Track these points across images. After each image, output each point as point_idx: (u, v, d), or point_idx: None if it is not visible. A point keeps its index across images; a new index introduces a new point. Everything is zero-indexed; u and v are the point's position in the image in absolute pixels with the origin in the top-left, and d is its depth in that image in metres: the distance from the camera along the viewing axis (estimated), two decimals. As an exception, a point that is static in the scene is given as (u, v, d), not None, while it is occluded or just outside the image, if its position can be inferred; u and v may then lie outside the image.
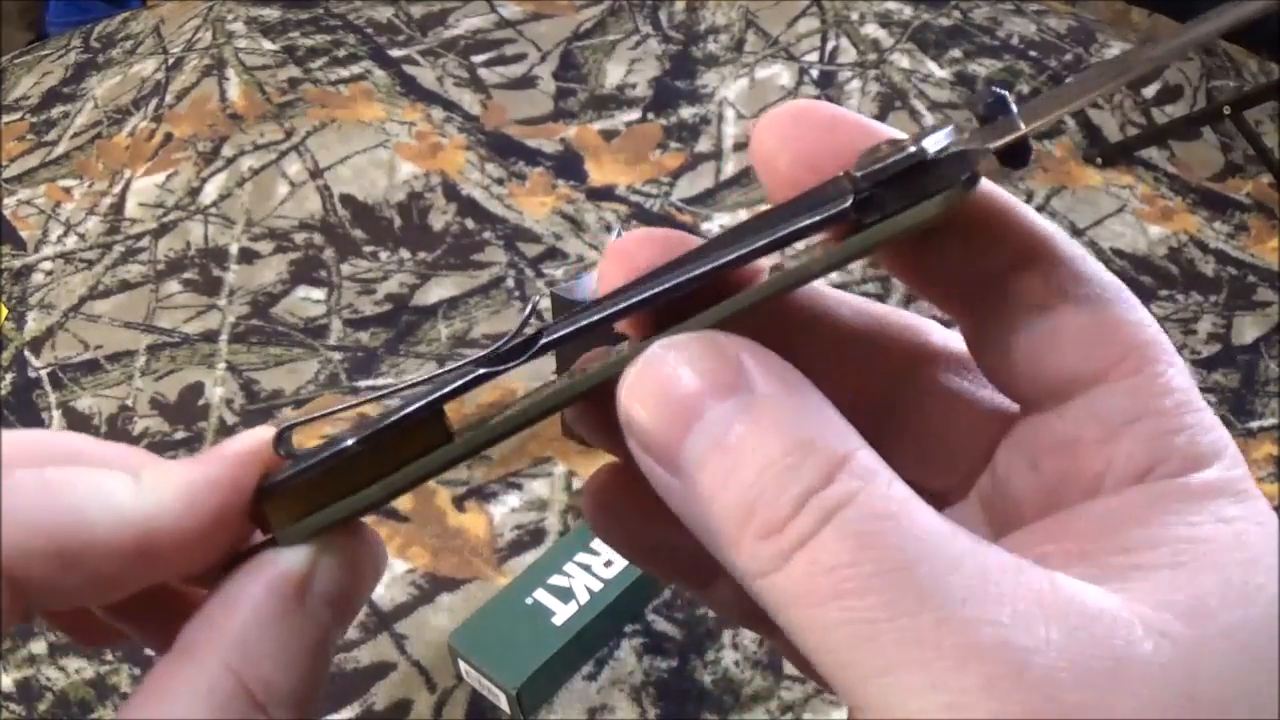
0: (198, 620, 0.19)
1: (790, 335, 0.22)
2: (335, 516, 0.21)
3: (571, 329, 0.20)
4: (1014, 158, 0.18)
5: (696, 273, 0.19)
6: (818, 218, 0.18)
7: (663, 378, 0.18)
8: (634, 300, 0.19)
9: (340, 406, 0.23)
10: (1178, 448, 0.18)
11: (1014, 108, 0.18)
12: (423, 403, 0.20)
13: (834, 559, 0.16)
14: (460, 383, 0.20)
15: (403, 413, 0.20)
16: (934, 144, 0.18)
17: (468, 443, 0.20)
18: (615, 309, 0.20)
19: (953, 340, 0.22)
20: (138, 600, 0.20)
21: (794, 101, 0.20)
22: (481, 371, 0.20)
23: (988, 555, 0.16)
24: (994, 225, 0.19)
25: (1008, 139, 0.18)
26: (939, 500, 0.22)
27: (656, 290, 0.19)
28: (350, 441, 0.20)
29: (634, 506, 0.23)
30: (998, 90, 0.18)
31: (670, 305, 0.19)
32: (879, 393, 0.22)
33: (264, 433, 0.21)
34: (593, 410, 0.22)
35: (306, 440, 0.21)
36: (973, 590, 0.16)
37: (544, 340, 0.20)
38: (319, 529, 0.21)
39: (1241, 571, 0.16)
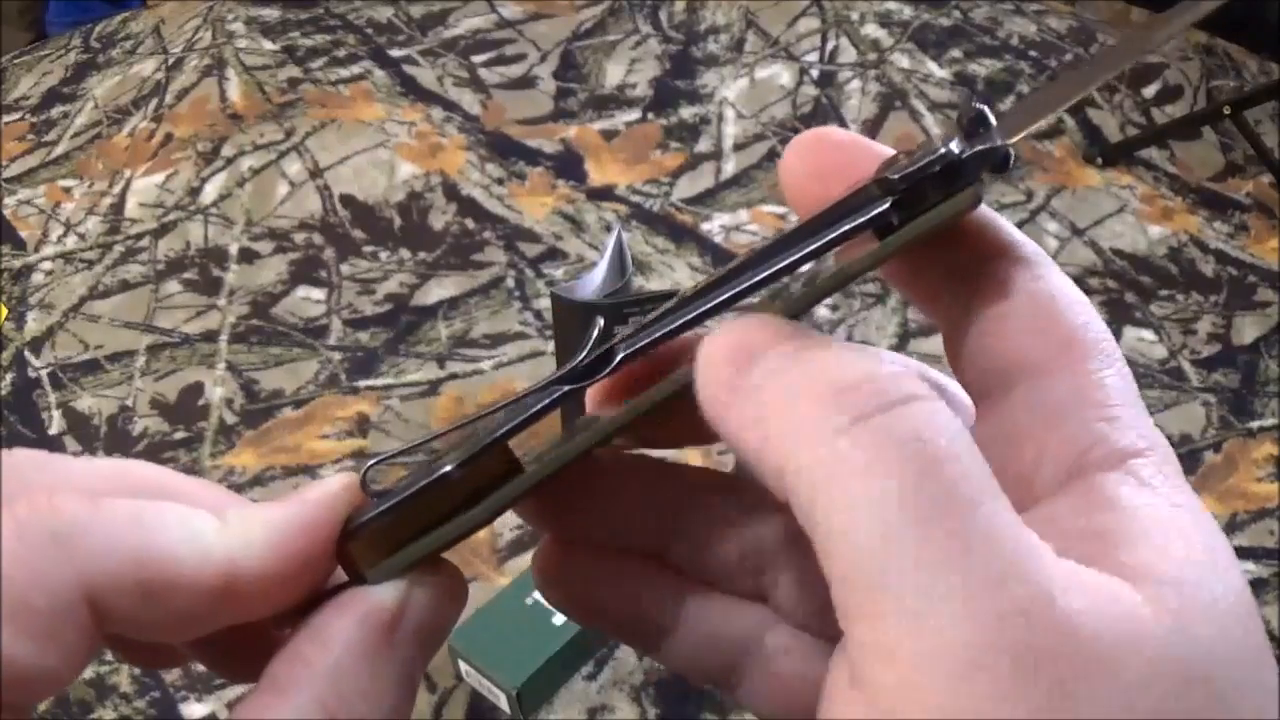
0: (288, 656, 0.19)
1: None
2: (423, 551, 0.21)
3: (647, 341, 0.21)
4: (997, 165, 0.20)
5: (747, 284, 0.20)
6: (861, 219, 0.20)
7: (743, 326, 0.19)
8: (699, 311, 0.21)
9: (422, 439, 0.23)
10: (1109, 438, 0.18)
11: (993, 121, 0.19)
12: (512, 425, 0.21)
13: (907, 435, 0.16)
14: (546, 402, 0.21)
15: (496, 434, 0.21)
16: (956, 146, 0.19)
17: (539, 472, 0.21)
18: (687, 318, 0.21)
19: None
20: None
21: (816, 128, 0.22)
22: (566, 389, 0.21)
23: (1019, 523, 0.17)
24: (966, 227, 0.21)
25: (1023, 134, 0.19)
26: None
27: (714, 303, 0.21)
28: (449, 468, 0.20)
29: (579, 575, 0.23)
30: (977, 105, 0.19)
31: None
32: None
33: (348, 477, 0.21)
34: (540, 498, 0.22)
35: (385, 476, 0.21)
36: (1014, 523, 0.16)
37: (622, 354, 0.21)
38: (406, 565, 0.21)
39: (1207, 547, 0.17)
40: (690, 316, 0.21)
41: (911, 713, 0.15)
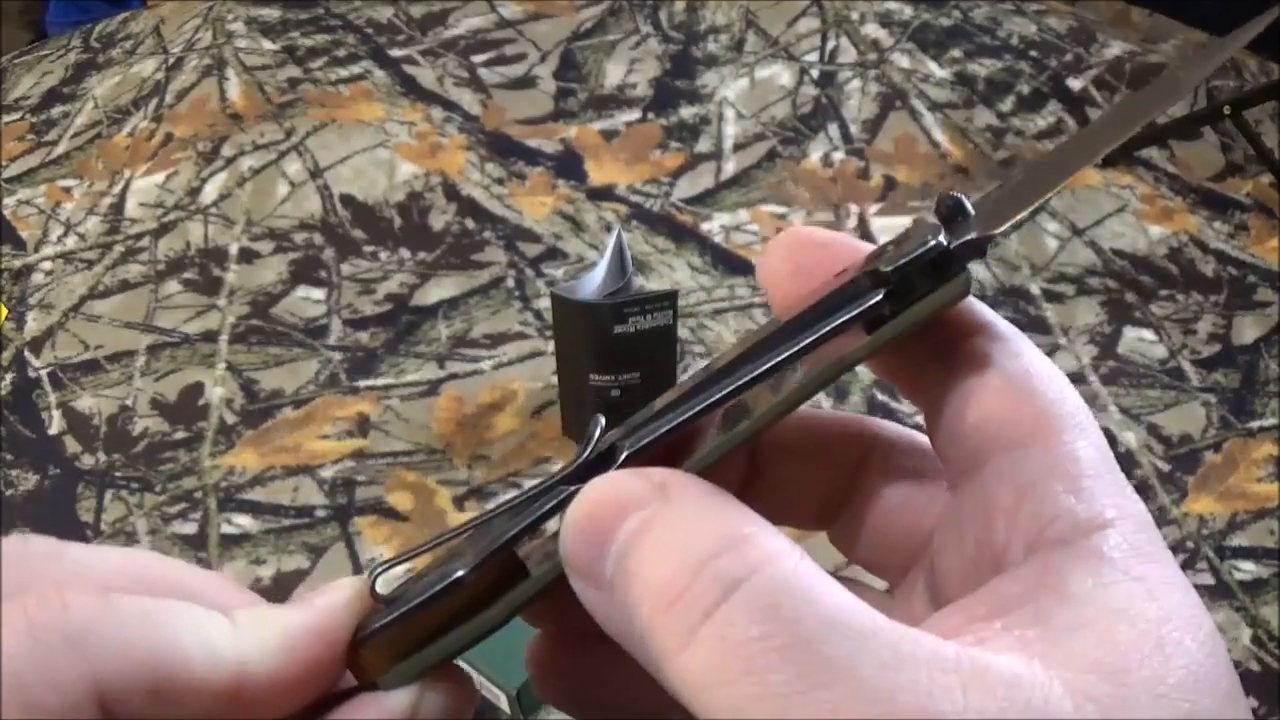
0: None
1: (754, 449, 0.23)
2: (435, 658, 0.21)
3: (651, 439, 0.21)
4: (980, 252, 0.20)
5: (747, 379, 0.21)
6: (856, 310, 0.20)
7: (588, 504, 0.19)
8: (701, 407, 0.21)
9: (428, 544, 0.23)
10: (1073, 511, 0.18)
11: (970, 210, 0.20)
12: (520, 528, 0.21)
13: (742, 633, 0.16)
14: (553, 504, 0.21)
15: (506, 537, 0.21)
16: (943, 237, 0.20)
17: (550, 571, 0.21)
18: (689, 414, 0.21)
19: (904, 434, 0.24)
20: None
21: (795, 228, 0.22)
22: (571, 489, 0.21)
23: (900, 631, 0.16)
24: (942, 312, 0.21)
25: (1010, 224, 0.20)
26: (892, 584, 0.23)
27: (715, 398, 0.21)
28: (461, 573, 0.20)
29: (578, 668, 0.24)
30: (954, 195, 0.20)
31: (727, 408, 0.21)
32: (835, 486, 0.24)
33: (358, 583, 0.21)
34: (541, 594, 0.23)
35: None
36: (886, 661, 0.16)
37: (626, 453, 0.21)
38: (418, 671, 0.21)
39: (1158, 627, 0.17)
40: (692, 413, 0.21)
41: None
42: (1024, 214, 0.21)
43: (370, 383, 0.92)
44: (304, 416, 0.90)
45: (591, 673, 0.24)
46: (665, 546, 0.18)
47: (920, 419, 0.22)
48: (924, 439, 0.23)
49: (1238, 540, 0.84)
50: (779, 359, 0.21)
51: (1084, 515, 0.18)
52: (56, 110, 1.21)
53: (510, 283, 1.01)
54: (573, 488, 0.21)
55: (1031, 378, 0.20)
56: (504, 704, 0.70)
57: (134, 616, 0.18)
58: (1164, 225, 1.09)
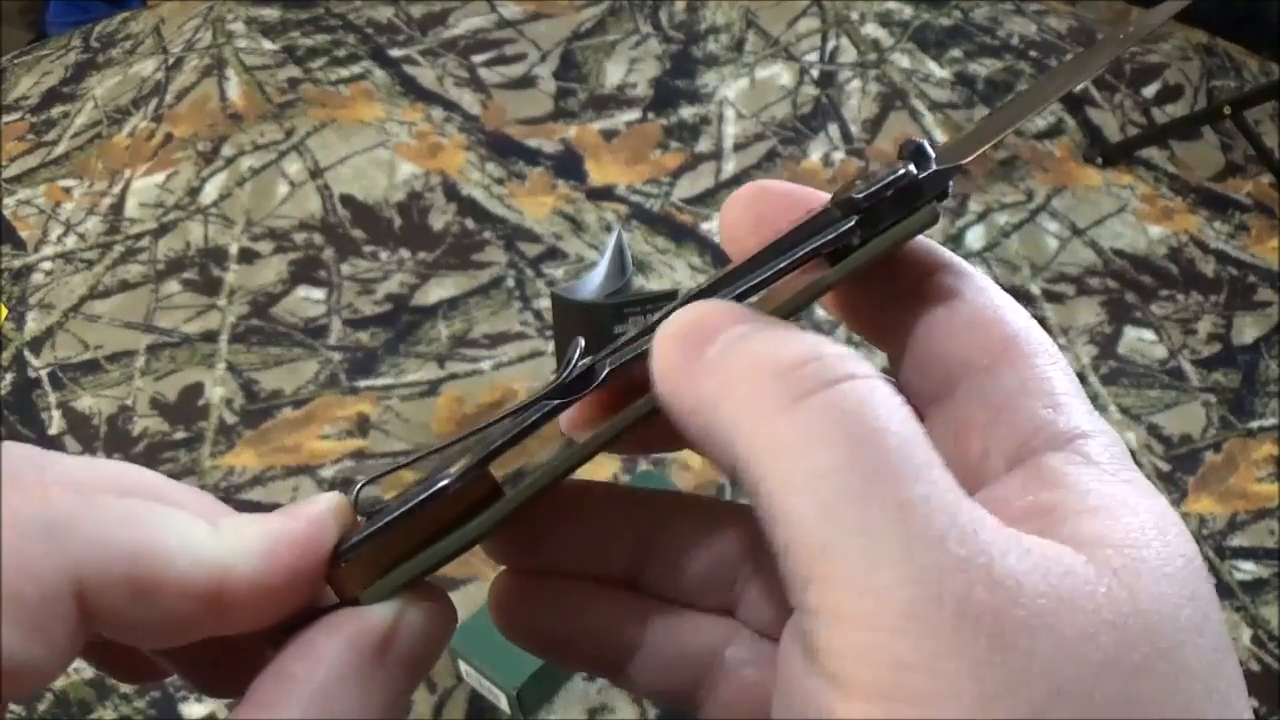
0: (274, 674, 0.19)
1: None
2: (413, 572, 0.21)
3: (631, 356, 0.21)
4: (941, 192, 0.21)
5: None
6: (830, 235, 0.21)
7: (700, 308, 0.20)
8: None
9: (410, 458, 0.23)
10: (1054, 423, 0.19)
11: (931, 153, 0.21)
12: (503, 440, 0.21)
13: (849, 409, 0.17)
14: (536, 418, 0.21)
15: (491, 448, 0.21)
16: (912, 167, 0.20)
17: (528, 488, 0.21)
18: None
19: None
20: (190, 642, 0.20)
21: (757, 181, 0.23)
22: (553, 404, 0.21)
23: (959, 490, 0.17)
24: (905, 252, 0.22)
25: (976, 155, 0.21)
26: None
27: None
28: (445, 483, 0.21)
29: (540, 607, 0.24)
30: (916, 140, 0.21)
31: None
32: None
33: (339, 497, 0.21)
34: (506, 529, 0.23)
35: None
36: (955, 490, 0.17)
37: (607, 370, 0.21)
38: (398, 586, 0.21)
39: (1154, 516, 0.18)
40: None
41: (858, 672, 0.16)
42: (986, 146, 0.21)
43: (370, 383, 0.92)
44: (304, 416, 0.90)
45: (554, 611, 0.24)
46: (788, 337, 0.18)
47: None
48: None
49: (1238, 540, 0.84)
50: (752, 283, 0.21)
51: (1064, 426, 0.19)
52: (56, 110, 1.21)
53: (510, 283, 1.00)
54: (555, 402, 0.21)
55: (998, 308, 0.21)
56: (504, 704, 0.70)
57: (115, 513, 0.18)
58: (1164, 225, 1.09)
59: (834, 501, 0.16)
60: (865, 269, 0.20)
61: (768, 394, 0.17)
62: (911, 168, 0.20)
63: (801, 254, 0.21)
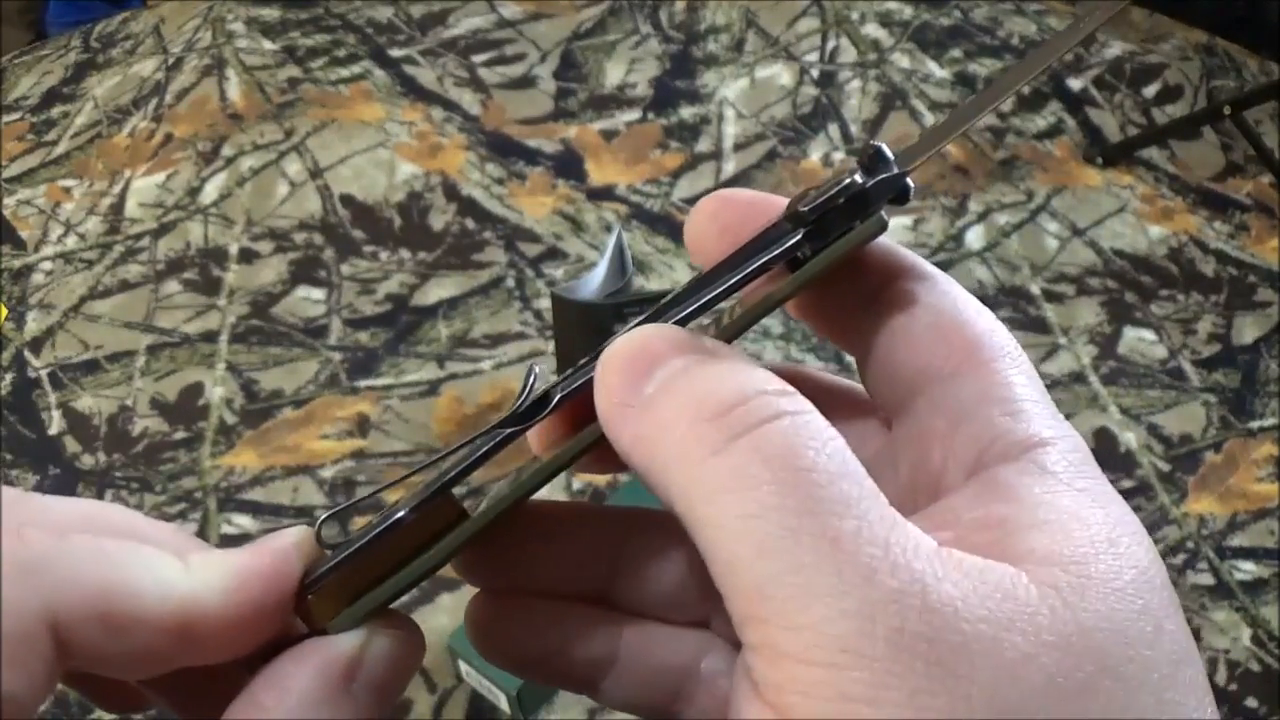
0: (243, 703, 0.20)
1: None
2: (378, 600, 0.21)
3: (581, 382, 0.21)
4: (897, 196, 0.21)
5: (674, 321, 0.22)
6: (777, 250, 0.21)
7: (642, 335, 0.20)
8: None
9: (373, 491, 0.24)
10: (1012, 431, 0.19)
11: (890, 155, 0.21)
12: (458, 470, 0.21)
13: (778, 449, 0.17)
14: (490, 445, 0.22)
15: (447, 478, 0.21)
16: (859, 177, 0.20)
17: (487, 513, 0.21)
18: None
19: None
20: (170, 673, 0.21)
21: (721, 191, 0.23)
22: (507, 432, 0.22)
23: (893, 516, 0.17)
24: (867, 255, 0.22)
25: (921, 161, 0.21)
26: None
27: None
28: (401, 513, 0.21)
29: (516, 626, 0.24)
30: (874, 144, 0.21)
31: None
32: None
33: (304, 530, 0.22)
34: (476, 549, 0.23)
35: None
36: (888, 519, 0.17)
37: (558, 396, 0.22)
38: (364, 614, 0.21)
39: (1108, 529, 0.17)
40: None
41: (800, 705, 0.16)
42: (933, 151, 0.21)
43: (370, 383, 0.92)
44: (304, 416, 0.90)
45: (528, 630, 0.24)
46: (722, 375, 0.18)
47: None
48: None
49: (1238, 540, 0.84)
50: (702, 300, 0.21)
51: (1022, 435, 0.19)
52: (56, 110, 1.21)
53: (510, 283, 1.01)
54: (509, 430, 0.22)
55: (960, 312, 0.21)
56: (504, 704, 0.70)
57: (88, 552, 0.19)
58: (1164, 225, 1.09)
59: (766, 542, 0.16)
60: (821, 279, 0.21)
61: (700, 437, 0.17)
62: (857, 177, 0.20)
63: (750, 270, 0.21)
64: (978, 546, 0.17)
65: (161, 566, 0.19)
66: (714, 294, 0.21)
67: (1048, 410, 0.20)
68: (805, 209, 0.20)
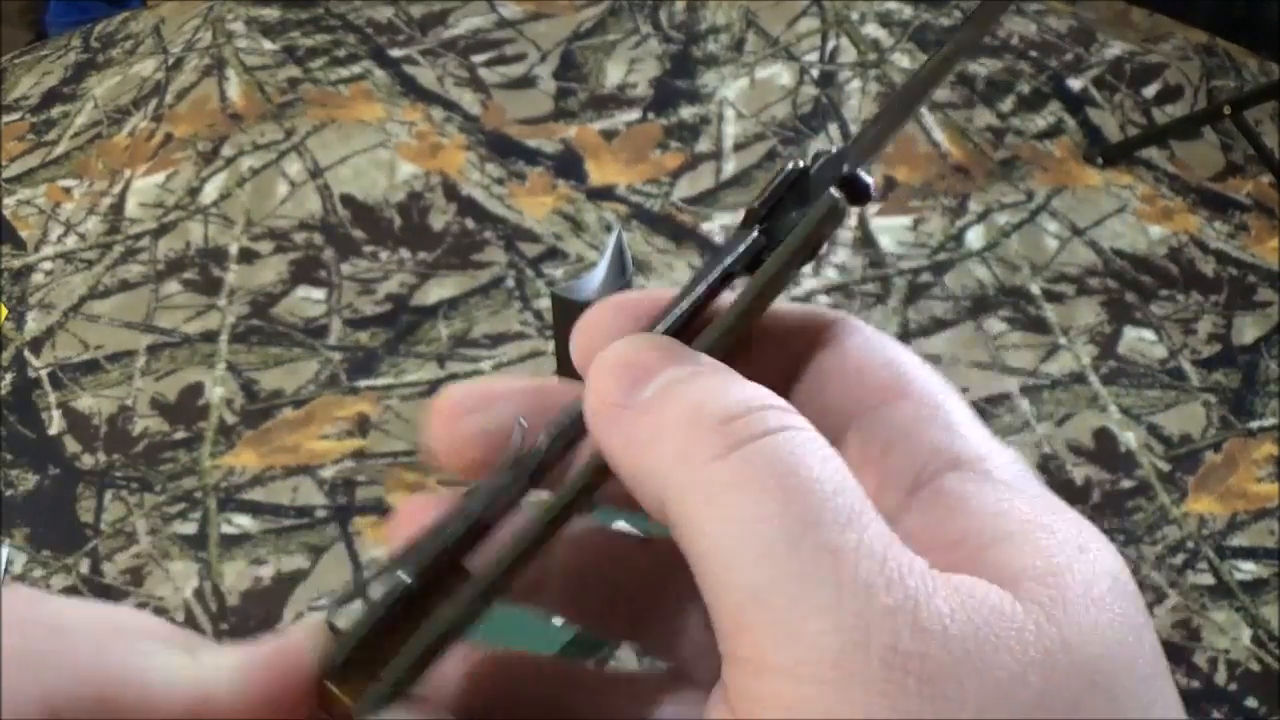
0: None
1: None
2: (397, 676, 0.21)
3: (566, 423, 0.21)
4: (856, 195, 0.20)
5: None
6: (737, 251, 0.20)
7: (639, 341, 0.20)
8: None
9: (374, 574, 0.23)
10: (950, 446, 0.19)
11: (841, 149, 0.21)
12: (459, 536, 0.21)
13: (782, 459, 0.17)
14: (485, 504, 0.21)
15: (450, 541, 0.21)
16: (802, 161, 0.20)
17: (495, 570, 0.21)
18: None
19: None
20: None
21: (600, 303, 0.22)
22: (500, 485, 0.21)
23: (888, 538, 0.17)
24: (788, 318, 0.22)
25: (872, 156, 0.21)
26: None
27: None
28: (407, 581, 0.20)
29: (515, 690, 0.24)
30: (828, 150, 0.21)
31: None
32: None
33: (316, 620, 0.22)
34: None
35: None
36: (884, 536, 0.16)
37: (547, 443, 0.21)
38: (387, 696, 0.21)
39: (1075, 535, 0.17)
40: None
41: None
42: (880, 143, 0.21)
43: (370, 383, 0.92)
44: (304, 416, 0.90)
45: (528, 692, 0.24)
46: (725, 385, 0.18)
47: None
48: None
49: (1238, 540, 0.84)
50: (675, 314, 0.21)
51: (960, 448, 0.19)
52: (56, 110, 1.21)
53: (510, 283, 1.00)
54: (501, 483, 0.21)
55: (885, 350, 0.21)
56: (504, 704, 0.70)
57: (90, 643, 0.19)
58: (1164, 225, 1.09)
59: (765, 548, 0.16)
60: (788, 270, 0.20)
61: (702, 442, 0.17)
62: (800, 162, 0.20)
63: (714, 276, 0.20)
64: (949, 566, 0.17)
65: (168, 658, 0.19)
66: (682, 308, 0.20)
67: (984, 432, 0.19)
68: (757, 204, 0.20)
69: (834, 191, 0.20)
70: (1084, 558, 0.17)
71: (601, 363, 0.19)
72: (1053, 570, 0.17)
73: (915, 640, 0.15)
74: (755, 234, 0.20)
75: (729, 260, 0.20)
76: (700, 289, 0.20)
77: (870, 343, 0.21)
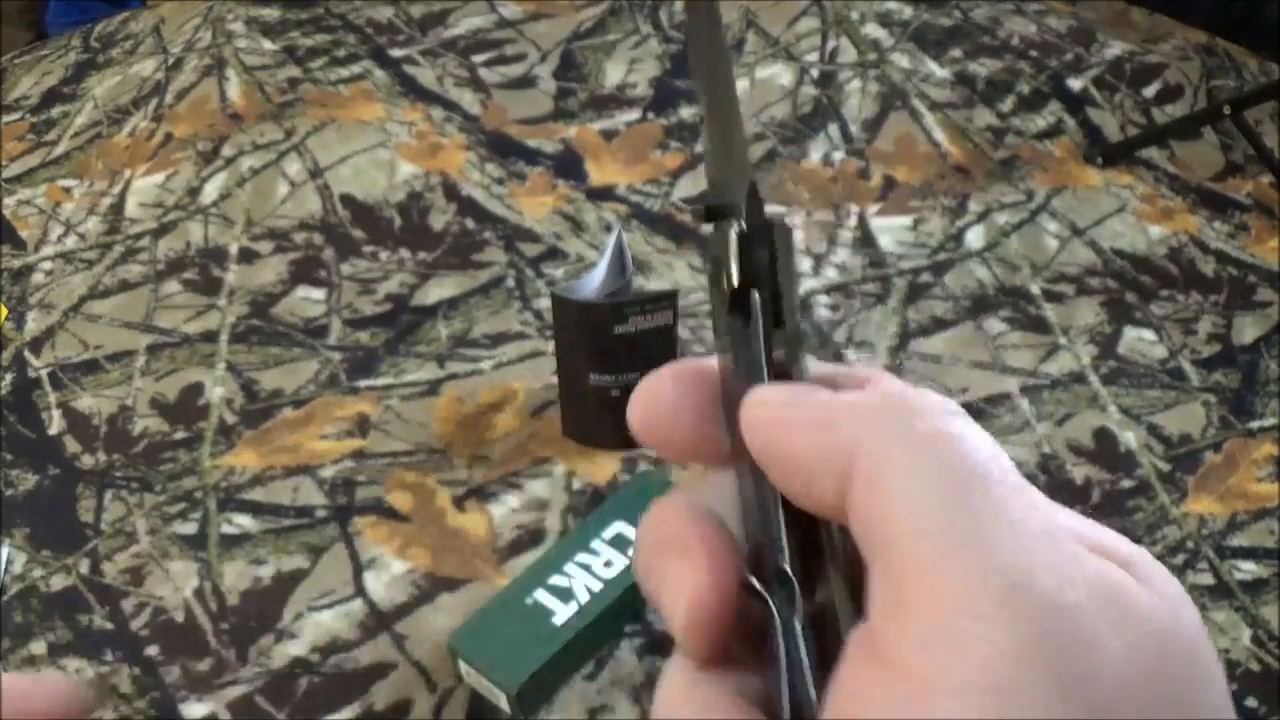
0: None
1: None
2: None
3: (783, 538, 0.21)
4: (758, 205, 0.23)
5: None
6: (763, 316, 0.22)
7: (786, 384, 0.22)
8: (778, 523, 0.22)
9: None
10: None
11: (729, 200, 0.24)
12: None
13: (970, 446, 0.19)
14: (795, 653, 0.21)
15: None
16: (735, 226, 0.23)
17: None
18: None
19: None
20: None
21: (653, 375, 0.24)
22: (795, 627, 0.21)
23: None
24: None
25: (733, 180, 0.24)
26: None
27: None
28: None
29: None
30: (709, 202, 0.24)
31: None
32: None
33: None
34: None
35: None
36: (1050, 522, 0.18)
37: (790, 569, 0.21)
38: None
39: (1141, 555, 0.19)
40: (779, 523, 0.22)
41: (950, 666, 0.17)
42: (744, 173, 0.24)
43: (370, 383, 0.92)
44: (304, 416, 0.90)
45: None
46: (901, 384, 0.21)
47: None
48: None
49: (1238, 540, 0.84)
50: (749, 376, 0.22)
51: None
52: (56, 110, 1.21)
53: (510, 283, 1.00)
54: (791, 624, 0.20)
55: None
56: (504, 704, 0.70)
57: None
58: (1164, 225, 1.09)
59: (956, 496, 0.18)
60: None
61: (891, 412, 0.19)
62: (736, 226, 0.23)
63: (761, 337, 0.22)
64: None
65: None
66: (756, 368, 0.22)
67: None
68: (734, 276, 0.22)
69: (777, 218, 0.23)
70: (1160, 567, 0.19)
71: (759, 393, 0.21)
72: (1157, 571, 0.19)
73: (1073, 595, 0.17)
74: (757, 294, 0.22)
75: (761, 328, 0.22)
76: (758, 358, 0.22)
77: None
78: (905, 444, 0.19)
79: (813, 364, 0.23)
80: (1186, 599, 0.18)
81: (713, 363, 0.23)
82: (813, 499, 0.20)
